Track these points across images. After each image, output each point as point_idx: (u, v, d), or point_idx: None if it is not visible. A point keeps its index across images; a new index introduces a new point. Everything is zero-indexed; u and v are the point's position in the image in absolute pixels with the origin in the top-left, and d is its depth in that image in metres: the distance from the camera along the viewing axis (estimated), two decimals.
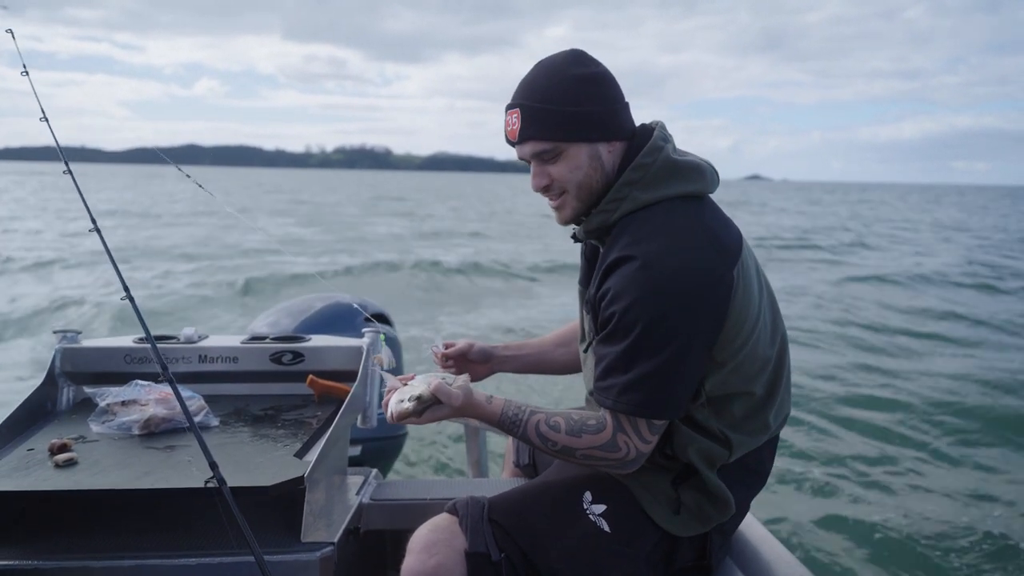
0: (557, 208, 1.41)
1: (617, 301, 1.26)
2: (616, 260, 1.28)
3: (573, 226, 1.48)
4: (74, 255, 13.87)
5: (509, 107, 1.38)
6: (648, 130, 1.39)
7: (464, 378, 1.34)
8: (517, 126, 1.35)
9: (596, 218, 1.37)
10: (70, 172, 1.58)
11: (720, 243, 1.30)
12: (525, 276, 13.55)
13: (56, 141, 1.61)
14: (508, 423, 1.32)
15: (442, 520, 1.36)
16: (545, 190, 1.39)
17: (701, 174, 1.37)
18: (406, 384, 1.33)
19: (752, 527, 1.63)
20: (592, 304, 1.36)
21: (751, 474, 1.45)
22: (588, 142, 1.34)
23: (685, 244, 1.27)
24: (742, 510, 1.47)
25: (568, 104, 1.32)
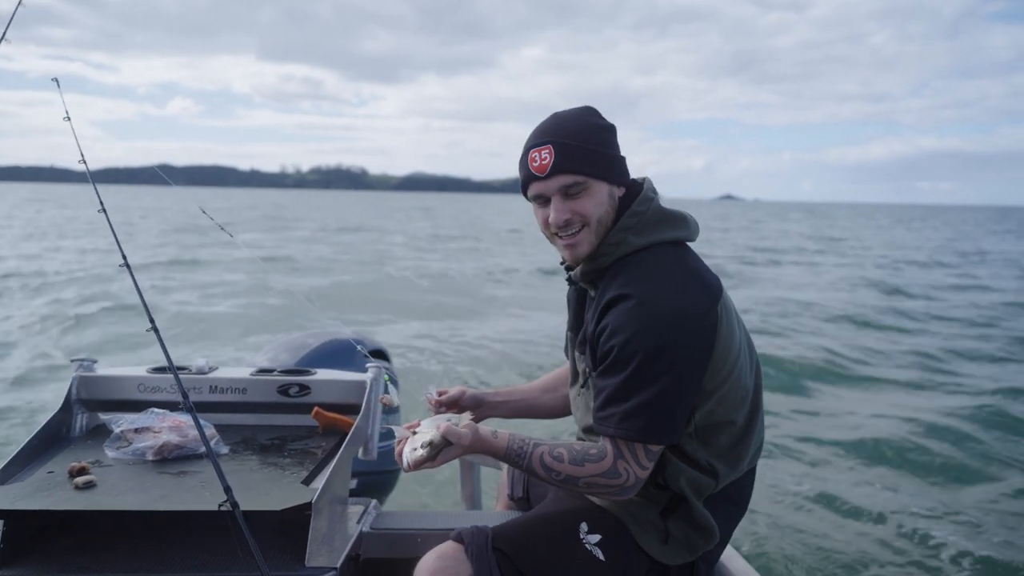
0: (573, 245, 1.49)
1: (616, 335, 1.37)
2: (614, 298, 1.41)
3: (567, 272, 1.60)
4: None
5: (536, 145, 1.47)
6: (638, 183, 1.54)
7: (467, 416, 1.43)
8: (549, 160, 1.44)
9: (596, 260, 1.49)
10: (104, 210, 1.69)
11: (705, 282, 1.44)
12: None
13: (89, 175, 1.72)
14: (514, 456, 1.41)
15: (448, 548, 1.44)
16: (566, 225, 1.47)
17: (686, 223, 1.52)
18: (414, 432, 1.41)
19: (732, 559, 1.71)
20: (590, 341, 1.47)
21: (733, 504, 1.55)
22: (608, 182, 1.48)
23: (676, 283, 1.41)
24: (724, 539, 1.55)
25: (597, 144, 1.46)
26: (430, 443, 1.35)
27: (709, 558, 1.55)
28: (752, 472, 1.58)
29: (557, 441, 1.44)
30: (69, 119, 1.86)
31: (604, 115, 1.53)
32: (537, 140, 1.48)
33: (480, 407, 1.80)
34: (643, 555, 1.47)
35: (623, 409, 1.37)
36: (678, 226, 1.51)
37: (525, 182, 1.51)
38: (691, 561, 1.50)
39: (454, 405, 1.78)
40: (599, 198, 1.46)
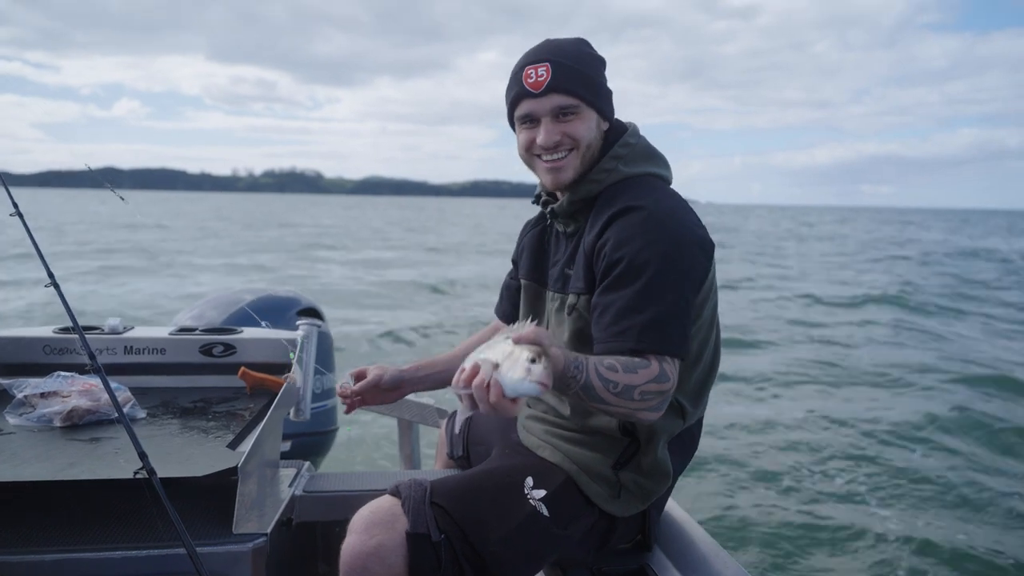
0: (559, 168, 1.45)
1: (626, 245, 1.32)
2: (621, 210, 1.37)
3: (541, 207, 1.58)
4: None
5: (533, 62, 1.42)
6: (623, 124, 1.54)
7: (527, 322, 1.18)
8: (546, 78, 1.40)
9: (584, 187, 1.46)
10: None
11: (694, 212, 1.45)
12: None
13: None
14: (572, 368, 1.21)
15: (384, 502, 1.36)
16: (555, 147, 1.43)
17: (667, 164, 1.54)
18: (495, 365, 1.12)
19: (672, 509, 1.71)
20: (589, 258, 1.40)
21: (685, 447, 1.53)
22: (597, 111, 1.46)
23: (677, 203, 1.41)
24: (672, 484, 1.54)
25: (593, 71, 1.44)
26: (537, 355, 1.10)
27: (659, 504, 1.54)
28: (701, 419, 1.56)
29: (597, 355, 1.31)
30: None
31: None
32: (534, 57, 1.43)
33: (401, 386, 1.70)
34: (591, 509, 1.43)
35: (640, 321, 1.28)
36: (661, 164, 1.52)
37: (515, 100, 1.46)
38: (642, 511, 1.48)
39: (374, 390, 1.67)
40: (589, 124, 1.45)
